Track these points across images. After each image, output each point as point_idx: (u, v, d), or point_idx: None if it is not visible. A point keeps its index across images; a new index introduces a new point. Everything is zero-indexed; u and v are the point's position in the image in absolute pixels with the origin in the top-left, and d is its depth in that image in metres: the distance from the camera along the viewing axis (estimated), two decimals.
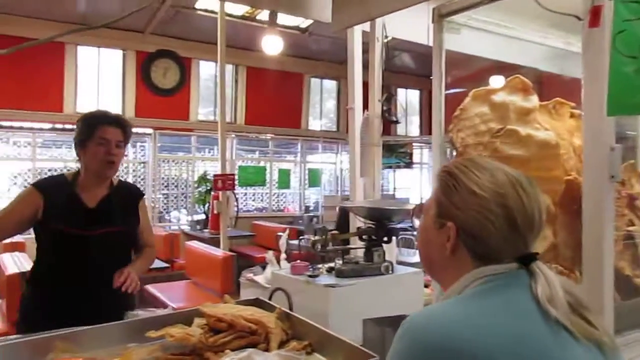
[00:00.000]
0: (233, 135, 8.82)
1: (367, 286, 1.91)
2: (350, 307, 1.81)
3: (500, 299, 0.85)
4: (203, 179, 8.42)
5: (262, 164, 9.47)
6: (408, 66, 9.69)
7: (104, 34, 7.25)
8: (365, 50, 3.16)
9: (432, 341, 0.79)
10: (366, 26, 3.02)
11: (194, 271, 5.65)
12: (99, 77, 7.75)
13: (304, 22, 7.64)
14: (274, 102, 9.11)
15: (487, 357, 0.76)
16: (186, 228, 8.30)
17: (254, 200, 9.63)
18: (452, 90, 2.48)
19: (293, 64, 9.10)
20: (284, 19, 7.29)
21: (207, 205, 8.03)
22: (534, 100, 2.24)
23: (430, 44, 2.25)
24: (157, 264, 5.77)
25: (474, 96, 2.18)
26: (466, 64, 2.80)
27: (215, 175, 5.01)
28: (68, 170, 2.26)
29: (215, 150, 8.79)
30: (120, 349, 1.42)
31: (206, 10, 6.99)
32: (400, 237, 5.03)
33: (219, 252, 5.00)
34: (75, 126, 2.15)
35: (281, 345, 1.47)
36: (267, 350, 1.41)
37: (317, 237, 1.97)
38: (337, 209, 7.75)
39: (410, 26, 2.94)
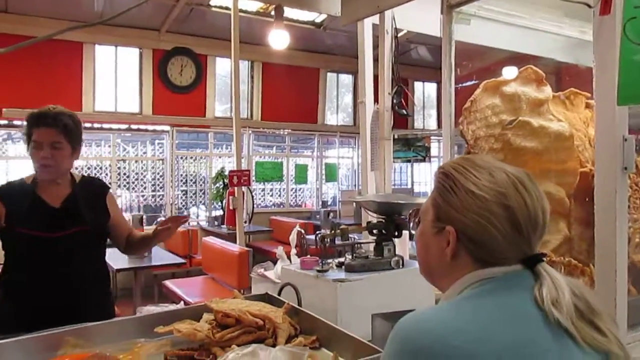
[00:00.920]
0: (250, 131, 8.85)
1: (376, 281, 1.89)
2: (359, 302, 1.80)
3: (496, 301, 0.82)
4: (220, 175, 8.48)
5: (279, 159, 9.49)
6: (425, 59, 9.59)
7: (121, 32, 7.34)
8: (377, 44, 3.13)
9: (421, 346, 0.76)
10: (376, 19, 2.99)
11: (211, 267, 5.69)
12: (116, 76, 7.82)
13: (318, 17, 7.61)
14: (290, 98, 9.11)
15: None
16: (204, 224, 8.37)
17: (271, 195, 9.66)
18: (467, 83, 2.45)
19: (309, 58, 9.09)
20: (298, 14, 7.28)
21: (224, 202, 8.08)
22: (547, 91, 2.21)
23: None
24: (176, 259, 5.84)
25: (485, 88, 2.15)
26: (480, 55, 2.76)
27: (230, 172, 5.03)
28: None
29: (232, 146, 8.85)
30: (130, 344, 1.44)
31: (221, 7, 7.01)
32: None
33: (235, 248, 5.03)
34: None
35: (289, 340, 1.47)
36: (274, 345, 1.41)
37: (326, 232, 1.96)
38: (354, 203, 7.75)
39: (423, 18, 2.91)
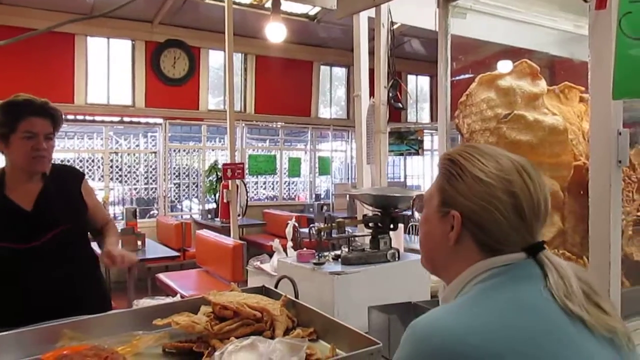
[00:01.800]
0: (243, 124, 8.83)
1: (372, 273, 1.91)
2: (356, 295, 1.81)
3: (508, 295, 0.82)
4: (213, 168, 8.46)
5: (272, 152, 9.48)
6: (419, 52, 9.59)
7: (113, 24, 7.27)
8: (372, 37, 3.13)
9: (436, 348, 0.75)
10: (372, 12, 2.99)
11: (204, 260, 5.69)
12: (109, 68, 7.77)
13: (312, 10, 7.58)
14: (283, 91, 9.08)
15: None
16: (197, 217, 8.36)
17: (264, 188, 9.66)
18: (462, 76, 2.46)
19: (302, 51, 9.06)
20: (292, 6, 7.24)
21: (217, 194, 8.07)
22: (541, 85, 2.22)
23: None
24: (169, 252, 5.83)
25: (480, 81, 2.16)
26: (475, 49, 2.77)
27: (224, 164, 5.02)
28: None
29: (225, 139, 8.83)
30: (128, 336, 1.44)
31: None
32: (410, 224, 5.00)
33: (229, 241, 5.04)
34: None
35: (286, 332, 1.48)
36: (272, 337, 1.42)
37: (320, 225, 1.97)
38: (347, 197, 7.76)
39: (419, 12, 2.90)
